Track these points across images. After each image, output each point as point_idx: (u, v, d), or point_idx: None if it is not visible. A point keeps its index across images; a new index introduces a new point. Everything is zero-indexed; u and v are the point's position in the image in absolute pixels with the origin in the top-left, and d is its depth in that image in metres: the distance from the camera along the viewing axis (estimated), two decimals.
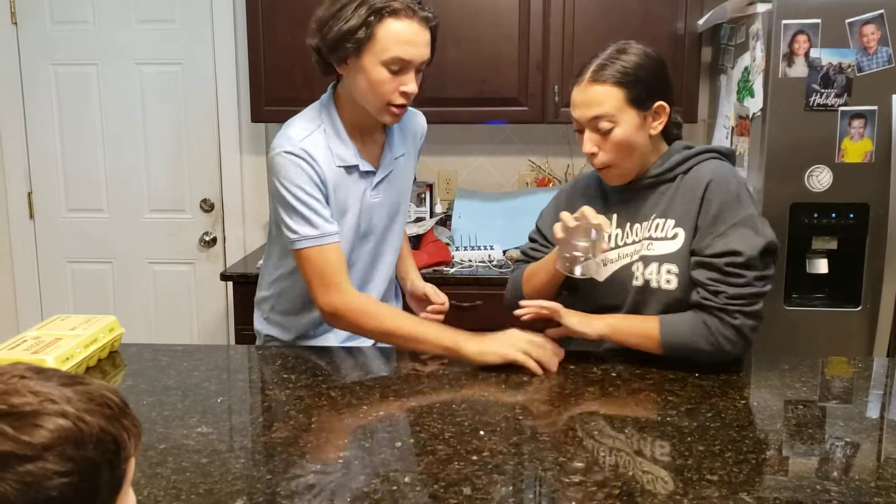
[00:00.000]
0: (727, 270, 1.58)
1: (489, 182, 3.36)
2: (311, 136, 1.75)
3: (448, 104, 3.00)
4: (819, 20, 2.42)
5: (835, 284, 2.53)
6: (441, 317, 2.06)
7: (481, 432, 1.44)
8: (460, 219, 3.17)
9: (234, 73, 3.34)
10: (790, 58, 2.43)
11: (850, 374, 1.83)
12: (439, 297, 2.08)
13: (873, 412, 1.59)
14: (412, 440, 1.42)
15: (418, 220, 3.21)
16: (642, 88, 1.62)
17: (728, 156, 1.72)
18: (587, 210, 1.62)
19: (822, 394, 1.64)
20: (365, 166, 1.80)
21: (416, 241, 2.96)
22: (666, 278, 1.64)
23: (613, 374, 1.71)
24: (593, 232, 1.61)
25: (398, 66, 1.65)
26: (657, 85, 1.65)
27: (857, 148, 2.46)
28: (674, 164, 1.67)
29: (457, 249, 2.96)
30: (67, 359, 1.63)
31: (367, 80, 1.67)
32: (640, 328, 1.66)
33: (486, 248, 2.96)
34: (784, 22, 2.42)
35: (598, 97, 1.60)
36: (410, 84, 1.69)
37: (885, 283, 2.48)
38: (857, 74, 2.43)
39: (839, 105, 2.44)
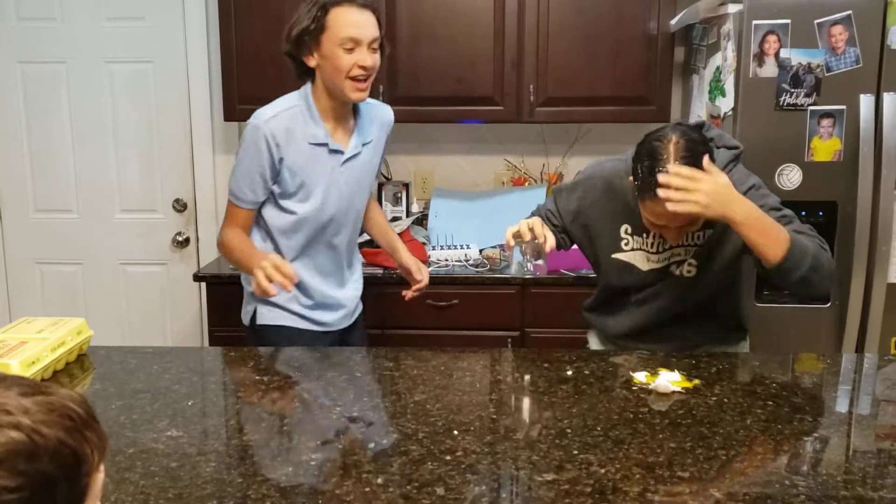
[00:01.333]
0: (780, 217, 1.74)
1: (465, 181, 3.36)
2: (281, 115, 2.01)
3: (423, 103, 3.00)
4: (789, 21, 2.44)
5: None
6: (419, 291, 2.33)
7: (455, 432, 1.44)
8: (437, 218, 3.16)
9: (206, 72, 3.31)
10: (761, 58, 2.46)
11: (819, 370, 1.85)
12: (420, 274, 2.32)
13: (842, 407, 1.61)
14: (385, 441, 1.42)
15: (394, 219, 3.20)
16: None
17: (736, 148, 1.86)
18: (522, 227, 1.78)
19: (792, 390, 1.66)
20: (334, 146, 2.05)
21: None
22: (687, 269, 1.88)
23: (586, 372, 1.72)
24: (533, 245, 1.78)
25: (351, 45, 1.94)
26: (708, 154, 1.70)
27: (826, 147, 2.49)
28: None
29: (433, 249, 2.96)
30: (33, 363, 1.61)
31: (330, 63, 1.96)
32: (774, 226, 1.68)
33: (462, 248, 2.96)
34: (755, 22, 2.45)
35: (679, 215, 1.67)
36: (365, 59, 1.95)
37: (853, 281, 2.51)
38: (826, 74, 2.46)
39: (808, 104, 2.47)
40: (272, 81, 3.00)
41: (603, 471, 1.29)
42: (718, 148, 1.83)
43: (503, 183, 3.32)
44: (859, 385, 1.75)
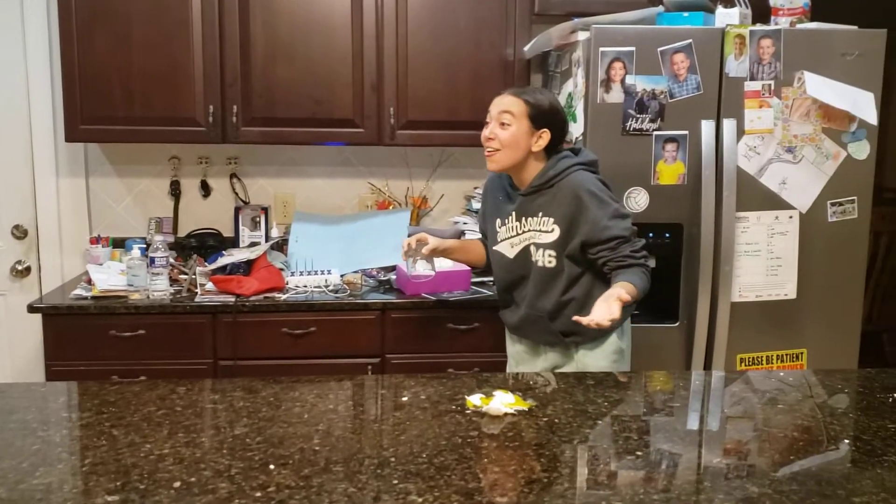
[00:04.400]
0: (623, 247, 2.12)
1: (329, 205, 3.28)
2: None
3: (280, 124, 2.92)
4: (633, 48, 2.52)
5: (653, 301, 2.60)
6: None
7: (271, 466, 1.35)
8: (297, 243, 3.06)
9: (49, 90, 3.11)
10: (607, 84, 2.52)
11: (657, 388, 1.87)
12: None
13: (672, 424, 1.62)
14: (193, 479, 1.31)
15: (252, 244, 3.08)
16: (539, 114, 2.16)
17: (591, 164, 2.22)
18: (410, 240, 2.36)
19: (623, 408, 1.66)
20: None
21: (246, 268, 2.83)
22: (548, 259, 2.19)
23: (423, 397, 1.67)
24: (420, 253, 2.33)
25: None
26: (550, 119, 2.17)
27: (670, 170, 2.58)
28: (550, 177, 2.17)
29: (292, 275, 2.85)
30: None
31: None
32: (631, 290, 2.05)
33: (322, 273, 2.87)
34: (601, 49, 2.51)
35: (510, 103, 2.17)
36: None
37: (699, 300, 2.59)
38: (670, 101, 2.55)
39: (653, 130, 2.55)
40: (119, 100, 2.85)
41: (420, 500, 1.24)
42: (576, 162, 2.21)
43: (368, 206, 3.27)
44: (689, 402, 1.78)
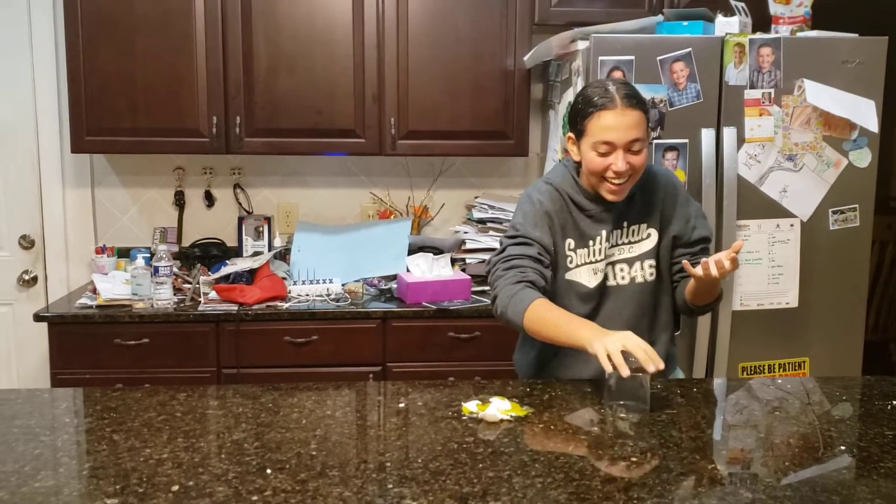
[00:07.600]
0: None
1: (332, 214, 3.30)
2: None
3: (282, 135, 2.94)
4: (633, 57, 2.53)
5: None
6: None
7: (268, 471, 1.36)
8: (299, 252, 3.08)
9: (55, 102, 3.15)
10: None
11: (668, 394, 1.87)
12: None
13: (669, 430, 1.62)
14: (191, 483, 1.32)
15: (256, 254, 3.10)
16: (649, 117, 1.86)
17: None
18: (617, 359, 1.56)
19: (621, 414, 1.66)
20: None
21: (249, 277, 2.86)
22: (649, 272, 1.89)
23: (419, 404, 1.68)
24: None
25: None
26: (649, 115, 1.87)
27: None
28: (641, 181, 1.87)
29: (294, 284, 2.88)
30: None
31: None
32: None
33: (324, 282, 2.89)
34: (601, 58, 2.53)
35: (636, 123, 1.75)
36: None
37: None
38: (670, 109, 2.56)
39: (653, 138, 2.56)
40: (124, 112, 2.89)
41: (419, 502, 1.25)
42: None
43: (370, 216, 3.28)
44: (685, 408, 1.77)
